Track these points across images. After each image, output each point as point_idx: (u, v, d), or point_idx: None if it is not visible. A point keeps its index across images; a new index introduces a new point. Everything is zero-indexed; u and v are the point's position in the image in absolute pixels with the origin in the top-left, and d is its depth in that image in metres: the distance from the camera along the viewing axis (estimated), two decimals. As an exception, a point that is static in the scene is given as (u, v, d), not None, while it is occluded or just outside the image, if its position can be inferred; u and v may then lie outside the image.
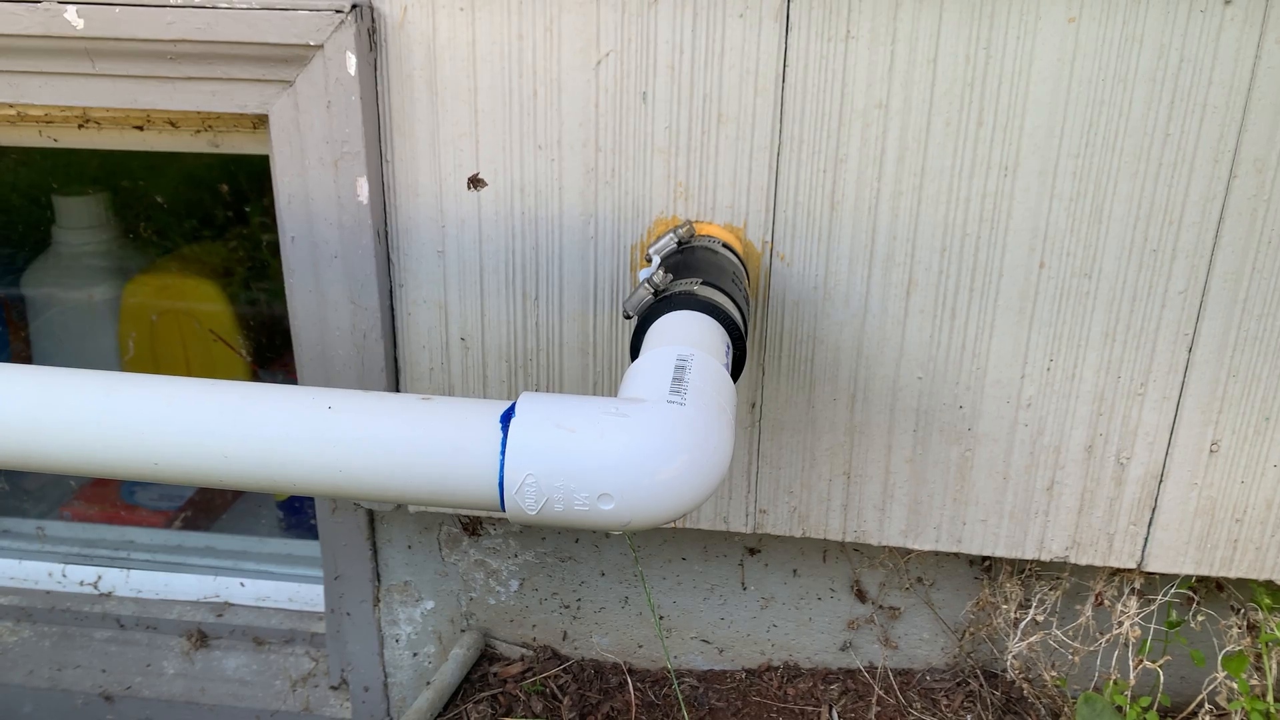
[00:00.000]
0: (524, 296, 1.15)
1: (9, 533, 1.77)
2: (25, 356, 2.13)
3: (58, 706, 1.57)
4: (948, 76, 1.01)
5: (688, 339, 0.84)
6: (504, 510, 0.73)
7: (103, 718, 1.57)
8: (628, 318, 0.95)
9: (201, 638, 1.62)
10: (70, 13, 1.05)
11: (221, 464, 0.74)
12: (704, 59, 1.03)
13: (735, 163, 1.06)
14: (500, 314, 1.16)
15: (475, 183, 1.08)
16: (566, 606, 1.41)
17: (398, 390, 1.21)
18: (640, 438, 0.71)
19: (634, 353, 0.91)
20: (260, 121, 1.16)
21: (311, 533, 1.77)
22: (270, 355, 2.03)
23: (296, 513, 1.80)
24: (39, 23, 1.06)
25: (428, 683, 1.34)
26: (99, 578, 1.66)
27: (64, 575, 1.67)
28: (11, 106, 1.14)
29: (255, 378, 2.04)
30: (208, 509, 1.84)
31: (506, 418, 0.73)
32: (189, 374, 2.09)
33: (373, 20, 1.05)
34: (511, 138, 1.08)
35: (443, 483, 0.73)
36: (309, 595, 1.62)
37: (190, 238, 2.23)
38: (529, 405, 0.73)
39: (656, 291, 0.92)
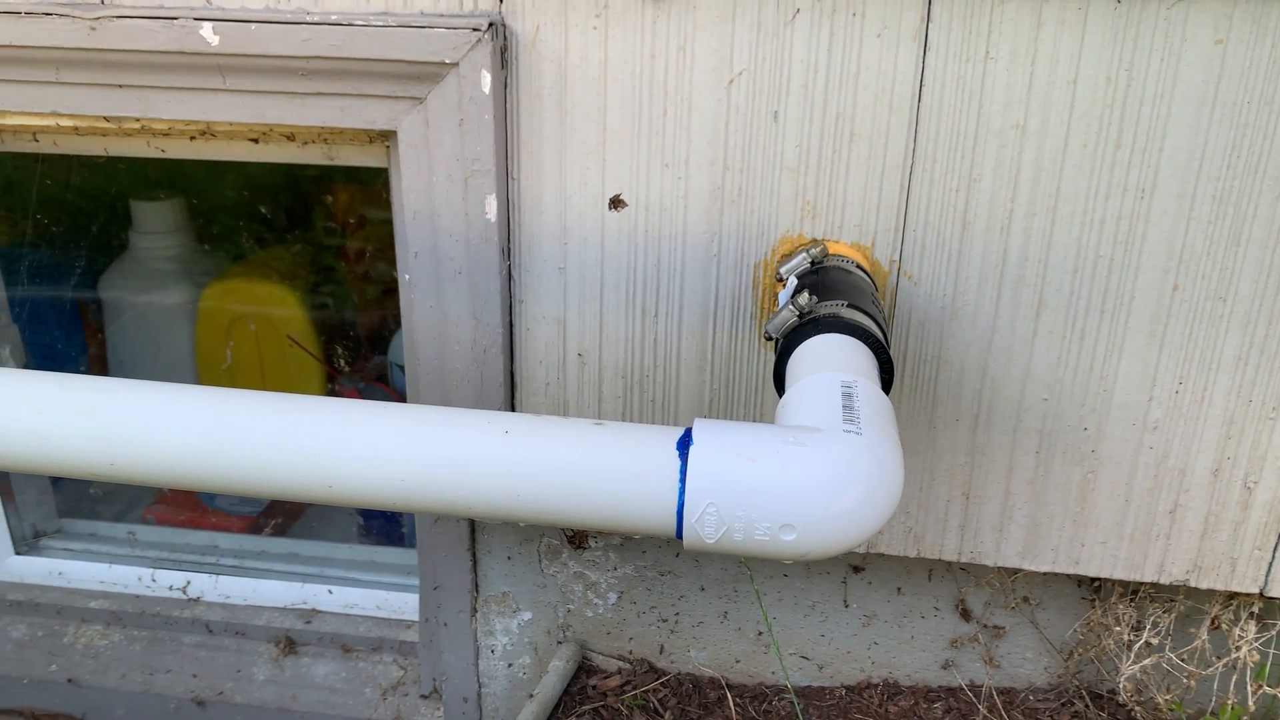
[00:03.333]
0: (643, 313, 1.15)
1: (96, 536, 1.79)
2: (102, 360, 2.15)
3: (151, 711, 1.58)
4: (1087, 98, 1.00)
5: (843, 364, 0.84)
6: (680, 538, 0.73)
7: (194, 722, 1.58)
8: (769, 339, 0.95)
9: (290, 644, 1.63)
10: (206, 29, 1.05)
11: (397, 487, 0.74)
12: (839, 78, 1.03)
13: (866, 182, 1.06)
14: (618, 330, 1.16)
15: (616, 203, 1.08)
16: (664, 620, 1.41)
17: (514, 405, 1.21)
18: (822, 468, 0.71)
19: (779, 375, 0.91)
20: (381, 136, 1.17)
21: (391, 539, 1.78)
22: (344, 361, 2.05)
23: (375, 519, 1.81)
24: (174, 39, 1.06)
25: (530, 695, 1.34)
26: (188, 583, 1.68)
27: (153, 580, 1.68)
28: (137, 120, 1.15)
29: (331, 382, 2.05)
30: (289, 514, 1.85)
31: (683, 445, 0.73)
32: (264, 378, 2.11)
33: (505, 38, 1.05)
34: (639, 156, 1.08)
35: (617, 508, 0.73)
36: (396, 603, 1.62)
37: (265, 243, 2.25)
38: (706, 433, 0.73)
39: (801, 314, 0.92)
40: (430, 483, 0.74)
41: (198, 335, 2.10)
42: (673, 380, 1.17)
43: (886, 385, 0.91)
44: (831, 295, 0.94)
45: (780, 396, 0.91)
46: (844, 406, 0.76)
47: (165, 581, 1.68)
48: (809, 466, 0.71)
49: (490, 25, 1.03)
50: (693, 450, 0.72)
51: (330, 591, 1.64)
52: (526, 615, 1.43)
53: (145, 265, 2.09)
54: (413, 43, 1.03)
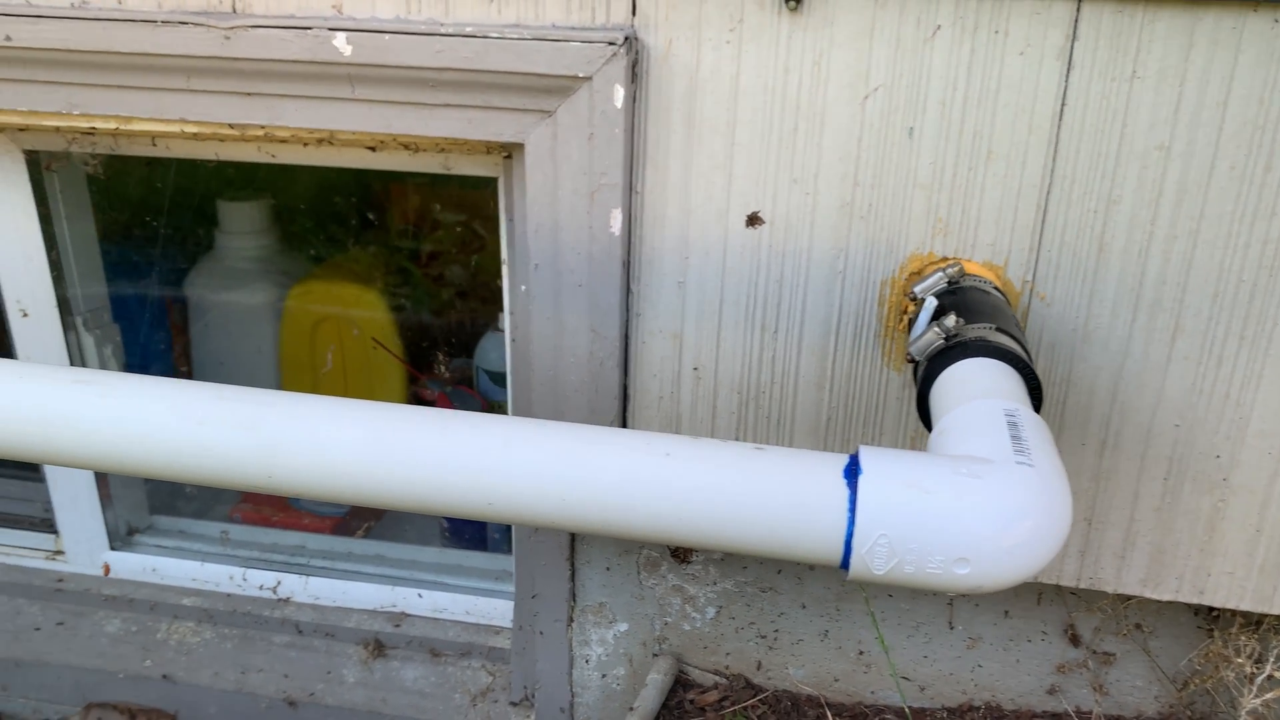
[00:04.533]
0: (762, 329, 1.14)
1: (186, 533, 1.81)
2: (186, 357, 2.18)
3: (242, 709, 1.60)
4: (1237, 119, 0.97)
5: (999, 390, 0.82)
6: (845, 568, 0.72)
7: (285, 722, 1.59)
8: (911, 362, 0.93)
9: (379, 647, 1.64)
10: (339, 39, 1.06)
11: (558, 507, 0.74)
12: (977, 96, 1.01)
13: (1001, 200, 1.04)
14: (736, 346, 1.15)
15: (753, 220, 1.07)
16: (763, 636, 1.39)
17: (625, 418, 1.21)
18: (997, 501, 0.70)
19: (923, 398, 0.89)
20: (499, 147, 1.17)
21: (477, 544, 1.78)
22: (443, 367, 2.06)
23: (462, 522, 1.82)
24: (307, 49, 1.07)
25: (631, 708, 1.34)
26: (278, 583, 1.69)
27: (244, 579, 1.70)
28: (262, 128, 1.16)
29: (414, 383, 2.07)
30: (375, 514, 1.86)
31: (850, 473, 0.72)
32: (346, 380, 2.12)
33: (638, 52, 1.05)
34: (767, 171, 1.07)
35: (779, 536, 0.73)
36: (485, 608, 1.63)
37: (346, 245, 2.26)
38: (875, 462, 0.72)
39: (947, 336, 0.90)
40: (591, 504, 0.74)
41: (283, 335, 2.12)
42: (789, 397, 1.16)
43: (1034, 410, 0.89)
44: (976, 317, 0.92)
45: (924, 419, 0.90)
46: (1012, 436, 0.75)
47: (256, 581, 1.69)
48: (984, 499, 0.69)
49: (626, 40, 1.02)
50: (863, 479, 0.71)
51: (420, 595, 1.64)
52: (623, 626, 1.43)
53: (230, 265, 2.11)
54: (547, 56, 1.03)
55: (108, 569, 1.67)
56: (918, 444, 1.16)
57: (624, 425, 1.21)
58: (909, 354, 0.92)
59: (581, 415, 1.19)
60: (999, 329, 0.90)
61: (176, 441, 0.78)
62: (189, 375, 2.17)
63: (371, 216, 2.26)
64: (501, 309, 1.93)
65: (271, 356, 2.15)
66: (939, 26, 0.99)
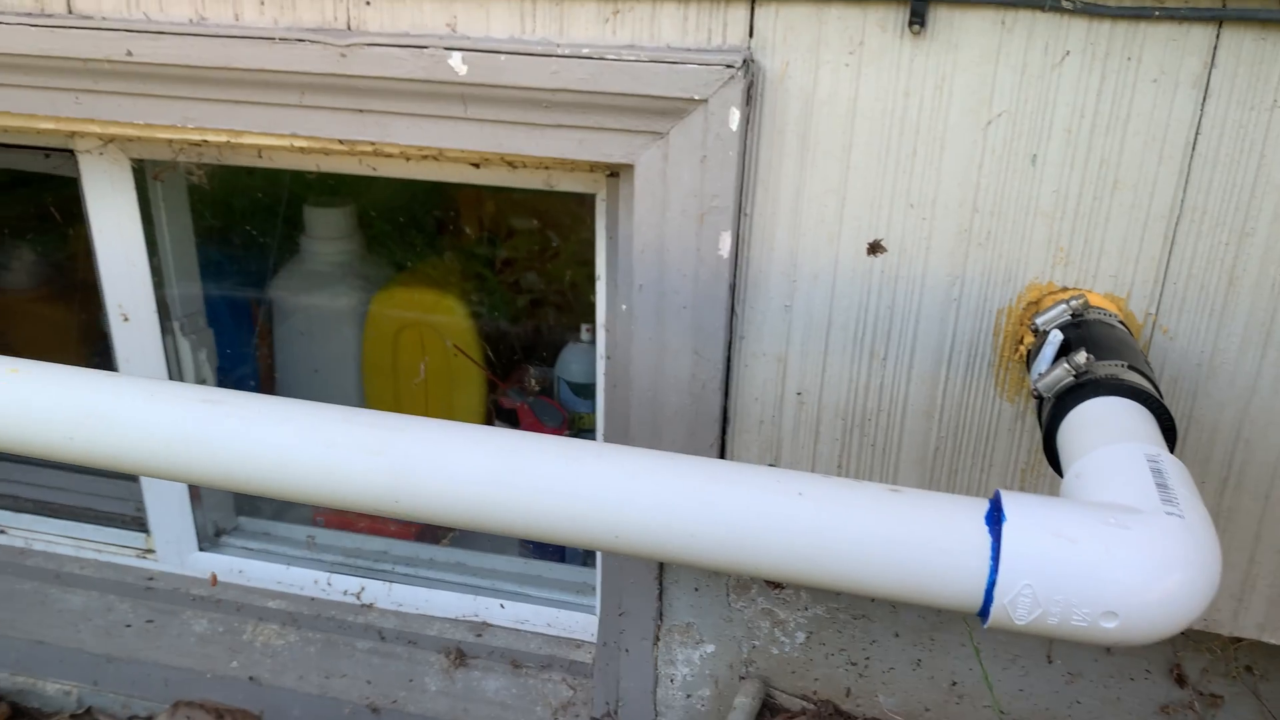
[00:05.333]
0: (871, 355, 1.12)
1: (270, 535, 1.83)
2: (270, 359, 2.21)
3: (326, 714, 1.62)
4: (1385, 151, 0.93)
5: (1136, 432, 0.80)
6: (983, 616, 0.70)
7: (368, 728, 1.60)
8: (1038, 398, 0.91)
9: (460, 656, 1.65)
10: (455, 59, 1.06)
11: (687, 544, 0.73)
12: (1105, 123, 0.98)
13: (1126, 231, 1.01)
14: (842, 371, 1.13)
15: (875, 249, 1.05)
16: (854, 664, 1.37)
17: (725, 440, 1.20)
18: (1148, 553, 0.67)
19: (1049, 435, 0.87)
20: (604, 166, 1.16)
21: (555, 556, 1.78)
22: (504, 370, 2.07)
23: (541, 534, 1.81)
24: (422, 67, 1.07)
25: (719, 732, 1.33)
26: (362, 589, 1.71)
27: (329, 584, 1.72)
28: (372, 144, 1.17)
29: (493, 391, 2.07)
30: (455, 524, 1.87)
31: (992, 520, 0.70)
32: (427, 385, 2.13)
33: (753, 74, 1.03)
34: (882, 195, 1.05)
35: (915, 582, 0.71)
36: (567, 621, 1.62)
37: (430, 252, 2.28)
38: (1018, 508, 0.70)
39: (1078, 374, 0.87)
40: (720, 542, 0.73)
41: (366, 340, 2.14)
42: (896, 425, 1.14)
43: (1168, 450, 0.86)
44: (1104, 353, 0.90)
45: (1050, 456, 0.87)
46: (1157, 484, 0.72)
47: (340, 586, 1.71)
48: (1134, 551, 0.67)
49: (744, 63, 1.01)
50: (1006, 527, 0.69)
51: (502, 606, 1.65)
52: (710, 648, 1.42)
53: (315, 269, 2.14)
54: (663, 78, 1.02)
55: (215, 579, 1.70)
56: (1028, 476, 1.13)
57: (724, 448, 1.19)
58: (1034, 390, 0.90)
59: (681, 437, 1.18)
60: (1130, 366, 0.88)
61: (305, 464, 0.79)
62: (272, 377, 2.21)
63: (452, 224, 2.27)
64: (584, 321, 1.94)
65: (354, 360, 2.17)
66: (1068, 52, 0.97)
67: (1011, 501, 0.71)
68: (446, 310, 2.08)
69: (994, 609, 0.69)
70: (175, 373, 1.64)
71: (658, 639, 1.43)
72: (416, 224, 2.29)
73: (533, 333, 2.21)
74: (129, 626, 1.74)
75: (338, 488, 0.78)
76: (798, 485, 0.73)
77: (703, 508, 0.73)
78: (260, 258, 2.18)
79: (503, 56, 1.05)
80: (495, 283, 2.25)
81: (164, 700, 1.66)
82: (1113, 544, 0.67)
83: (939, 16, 0.98)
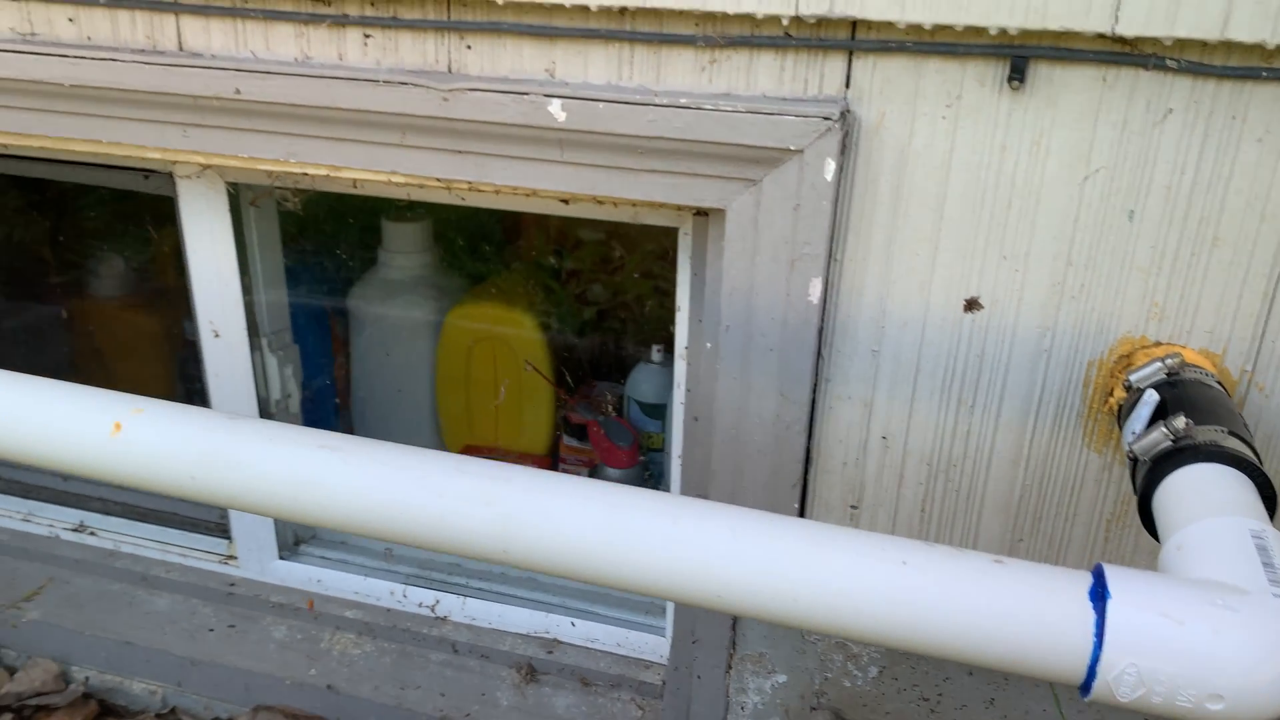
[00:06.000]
0: (958, 402, 1.12)
1: (347, 545, 1.88)
2: (346, 369, 2.26)
3: (401, 724, 1.66)
4: None
5: (1239, 504, 0.80)
6: (1085, 691, 0.71)
7: (442, 741, 1.64)
8: (1132, 459, 0.91)
9: (531, 672, 1.68)
10: (554, 105, 1.09)
11: (789, 607, 0.75)
12: (1207, 181, 0.98)
13: (1224, 288, 1.01)
14: (929, 417, 1.14)
15: (972, 305, 1.06)
16: (925, 699, 1.38)
17: (807, 481, 1.21)
18: (1256, 637, 0.68)
19: (1144, 500, 0.87)
20: (697, 210, 1.18)
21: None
22: (574, 387, 2.10)
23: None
24: (522, 113, 1.10)
25: (791, 763, 1.34)
26: (436, 601, 1.75)
27: (404, 595, 1.76)
28: (468, 183, 1.20)
29: (562, 406, 2.10)
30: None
31: (1097, 595, 0.71)
32: (499, 400, 2.16)
33: (849, 125, 1.04)
34: (975, 246, 1.06)
35: (1017, 654, 0.72)
36: (636, 642, 1.65)
37: (503, 268, 2.32)
38: (1122, 585, 0.70)
39: (1176, 438, 0.87)
40: (822, 607, 0.74)
41: (440, 354, 2.19)
42: (981, 471, 1.14)
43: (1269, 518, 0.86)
44: (1203, 416, 0.90)
45: (1145, 521, 0.88)
46: (1263, 563, 0.72)
47: (415, 598, 1.75)
48: (1243, 634, 0.67)
49: (842, 115, 1.02)
50: (1111, 605, 0.69)
51: (573, 624, 1.68)
52: (781, 678, 1.43)
53: (391, 282, 2.19)
54: (759, 128, 1.04)
55: (311, 604, 1.75)
56: (1113, 527, 1.13)
57: (806, 488, 1.21)
58: (1129, 451, 0.90)
59: (764, 476, 1.20)
60: (1230, 432, 0.87)
61: (416, 512, 0.82)
62: (348, 387, 2.26)
63: (525, 240, 2.30)
64: (654, 341, 1.96)
65: (428, 371, 2.22)
66: (1170, 110, 0.96)
67: (1115, 577, 0.71)
68: (520, 326, 2.12)
69: (1096, 685, 0.70)
70: (262, 387, 1.69)
71: (729, 667, 1.45)
72: (489, 239, 2.33)
73: (603, 350, 2.24)
74: (211, 631, 1.80)
75: (449, 536, 0.81)
76: (902, 553, 0.74)
77: (807, 573, 0.75)
78: (338, 270, 2.23)
79: (601, 104, 1.07)
80: (567, 299, 2.28)
81: (244, 704, 1.71)
82: (1221, 627, 0.68)
83: (1039, 73, 0.98)
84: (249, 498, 0.87)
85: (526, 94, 1.09)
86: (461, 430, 2.25)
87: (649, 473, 1.90)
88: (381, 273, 2.19)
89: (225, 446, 0.87)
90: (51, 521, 1.93)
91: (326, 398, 2.24)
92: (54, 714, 1.71)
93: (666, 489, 1.78)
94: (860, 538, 0.77)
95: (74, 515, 1.93)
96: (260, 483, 0.86)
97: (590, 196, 1.19)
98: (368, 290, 2.19)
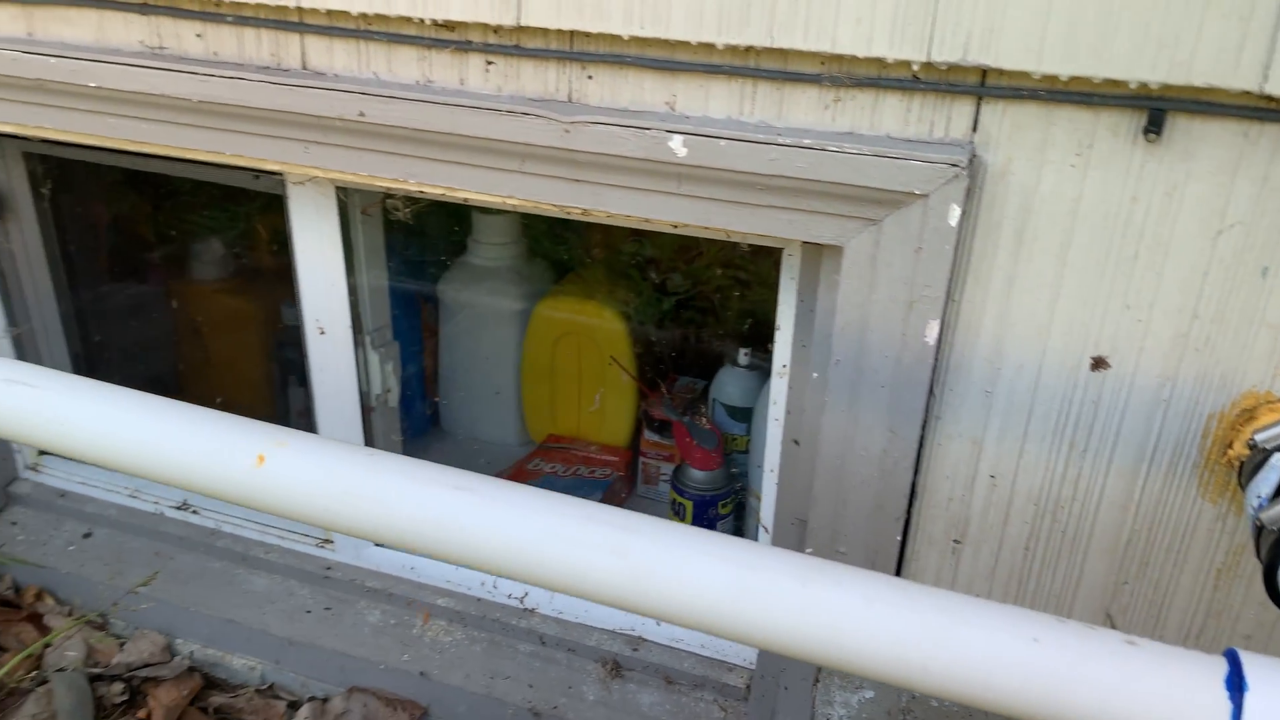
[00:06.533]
0: (1070, 446, 1.12)
1: (439, 534, 1.92)
2: (434, 356, 2.31)
3: (490, 714, 1.71)
4: None
5: (1374, 588, 0.79)
6: (1215, 775, 0.72)
7: (529, 731, 1.69)
8: (1258, 527, 0.90)
9: (616, 668, 1.72)
10: (675, 141, 1.09)
11: (918, 676, 0.77)
12: (1348, 241, 0.96)
13: (1358, 349, 0.99)
14: (1039, 458, 1.14)
15: (1099, 364, 1.05)
16: None
17: (910, 515, 1.22)
18: (1397, 738, 0.68)
19: (1271, 571, 0.87)
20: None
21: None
22: (657, 383, 2.12)
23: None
24: (642, 147, 1.11)
25: (878, 781, 1.37)
26: (525, 593, 1.80)
27: (495, 586, 1.81)
28: (584, 210, 1.21)
29: (644, 400, 2.13)
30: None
31: (1233, 685, 0.71)
32: (581, 390, 2.20)
33: (975, 171, 1.04)
34: (1097, 294, 1.05)
35: (1147, 734, 0.73)
36: (720, 645, 1.68)
37: (589, 262, 2.33)
38: (1260, 676, 0.71)
39: (1307, 511, 0.87)
40: (951, 679, 0.76)
41: (526, 344, 2.22)
42: (1089, 514, 1.14)
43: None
44: (1334, 488, 0.89)
45: (1271, 592, 0.87)
46: (1404, 658, 0.72)
47: (505, 589, 1.80)
48: (1383, 735, 0.68)
49: (970, 161, 1.01)
50: (1249, 697, 0.70)
51: (658, 623, 1.71)
52: (869, 694, 1.45)
53: (480, 271, 2.22)
54: (884, 172, 1.04)
55: (427, 617, 1.81)
56: (1223, 576, 1.13)
57: (909, 521, 1.22)
58: (1255, 519, 0.89)
59: (867, 507, 1.21)
60: (1365, 507, 0.86)
61: (550, 559, 0.85)
62: (436, 373, 2.31)
63: (614, 236, 2.32)
64: (740, 344, 1.97)
65: (513, 360, 2.26)
66: (1314, 167, 0.94)
67: (1253, 667, 0.72)
68: (606, 320, 2.14)
69: (1229, 774, 0.70)
70: (364, 382, 1.73)
71: (817, 680, 1.48)
72: (576, 231, 2.35)
73: (687, 348, 2.26)
74: (309, 612, 1.87)
75: (580, 584, 0.84)
76: (1032, 629, 0.76)
77: (938, 646, 0.76)
78: (430, 259, 2.27)
79: (723, 142, 1.08)
80: (653, 296, 2.29)
81: (339, 684, 1.78)
82: (1359, 725, 0.68)
83: (1176, 125, 0.96)
84: (387, 534, 0.90)
85: (648, 129, 1.10)
86: (544, 420, 2.29)
87: (733, 472, 1.92)
88: (470, 260, 2.23)
89: (364, 484, 0.91)
90: (157, 499, 2.02)
91: (416, 384, 2.29)
92: (161, 685, 1.80)
93: (753, 495, 1.80)
94: (994, 611, 0.78)
95: (178, 494, 2.01)
96: (397, 520, 0.90)
97: (703, 227, 1.20)
98: (457, 278, 2.23)
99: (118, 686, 1.80)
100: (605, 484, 2.08)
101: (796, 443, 1.33)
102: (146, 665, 1.84)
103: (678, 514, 1.91)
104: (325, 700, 1.78)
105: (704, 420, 1.94)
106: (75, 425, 0.99)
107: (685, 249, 2.27)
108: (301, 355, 1.72)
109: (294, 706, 1.78)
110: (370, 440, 1.78)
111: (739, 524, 1.94)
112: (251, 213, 2.18)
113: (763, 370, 1.96)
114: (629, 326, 2.13)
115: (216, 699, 1.80)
